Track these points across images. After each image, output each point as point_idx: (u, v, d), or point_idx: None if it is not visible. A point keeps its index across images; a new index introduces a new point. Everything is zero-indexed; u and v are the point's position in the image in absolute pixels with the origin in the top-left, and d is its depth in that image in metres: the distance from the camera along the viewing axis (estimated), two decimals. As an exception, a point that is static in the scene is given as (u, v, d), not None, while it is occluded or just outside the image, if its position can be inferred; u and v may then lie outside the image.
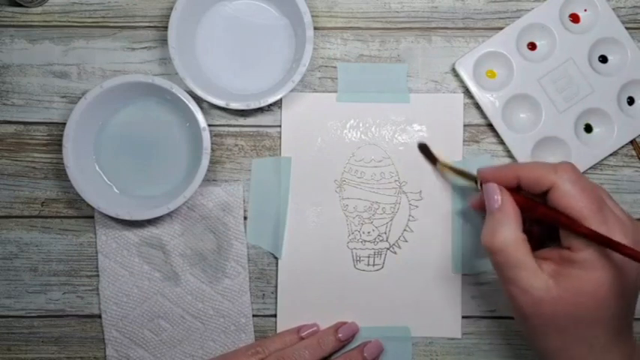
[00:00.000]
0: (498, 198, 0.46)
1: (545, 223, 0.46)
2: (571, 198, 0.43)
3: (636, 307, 0.45)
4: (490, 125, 0.56)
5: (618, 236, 0.42)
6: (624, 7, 0.57)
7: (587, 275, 0.42)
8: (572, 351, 0.44)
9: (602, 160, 0.56)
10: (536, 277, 0.43)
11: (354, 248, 0.56)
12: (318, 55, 0.57)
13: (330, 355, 0.54)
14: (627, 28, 0.56)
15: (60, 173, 0.56)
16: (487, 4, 0.57)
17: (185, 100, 0.52)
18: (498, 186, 0.46)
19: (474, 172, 0.50)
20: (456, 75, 0.56)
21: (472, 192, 0.56)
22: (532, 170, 0.45)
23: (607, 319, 0.43)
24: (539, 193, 0.45)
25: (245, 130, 0.57)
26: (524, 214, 0.46)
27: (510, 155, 0.56)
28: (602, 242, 0.42)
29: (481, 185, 0.48)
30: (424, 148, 0.55)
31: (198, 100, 0.53)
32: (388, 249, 0.56)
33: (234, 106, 0.53)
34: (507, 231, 0.44)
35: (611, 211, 0.44)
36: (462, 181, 0.53)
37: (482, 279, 0.56)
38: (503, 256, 0.44)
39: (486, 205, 0.46)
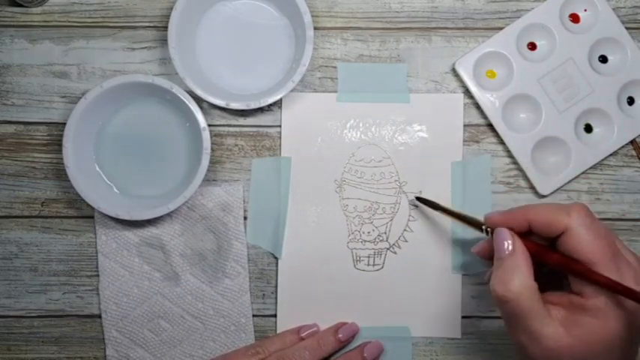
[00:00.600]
0: (509, 244, 0.44)
1: (555, 269, 0.45)
2: (585, 244, 0.42)
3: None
4: (490, 125, 0.56)
5: (631, 283, 0.41)
6: (624, 7, 0.57)
7: (600, 323, 0.41)
8: None
9: (602, 160, 0.56)
10: (547, 325, 0.41)
11: (354, 248, 0.56)
12: (318, 55, 0.57)
13: (330, 355, 0.54)
14: (627, 28, 0.56)
15: (60, 173, 0.56)
16: (487, 4, 0.57)
17: (185, 100, 0.52)
18: (509, 231, 0.44)
19: (479, 216, 0.49)
20: (456, 75, 0.56)
21: (473, 195, 0.56)
22: (544, 213, 0.44)
23: None
24: (551, 237, 0.44)
25: (245, 130, 0.57)
26: (534, 260, 0.44)
27: (510, 155, 0.56)
28: (617, 290, 0.40)
29: (486, 231, 0.47)
30: (422, 200, 0.55)
31: (198, 100, 0.53)
32: (388, 249, 0.56)
33: (234, 106, 0.53)
34: (519, 279, 0.42)
35: (623, 257, 0.43)
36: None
37: (482, 279, 0.56)
38: (516, 305, 0.42)
39: (495, 250, 0.44)
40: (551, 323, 0.42)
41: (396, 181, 0.56)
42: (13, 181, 0.56)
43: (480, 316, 0.56)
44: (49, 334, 0.57)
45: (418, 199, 0.55)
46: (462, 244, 0.56)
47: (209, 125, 0.53)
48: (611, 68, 0.56)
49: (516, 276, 0.42)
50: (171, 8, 0.53)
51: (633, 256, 0.44)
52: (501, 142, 0.56)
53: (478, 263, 0.55)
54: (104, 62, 0.57)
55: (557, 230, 0.43)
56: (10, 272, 0.56)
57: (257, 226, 0.56)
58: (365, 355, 0.54)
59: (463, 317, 0.56)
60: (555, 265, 0.43)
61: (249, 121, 0.57)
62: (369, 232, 0.56)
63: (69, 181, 0.52)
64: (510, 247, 0.44)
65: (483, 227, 0.47)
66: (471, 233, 0.55)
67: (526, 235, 0.45)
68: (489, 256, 0.47)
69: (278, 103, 0.56)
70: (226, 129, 0.57)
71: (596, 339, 0.41)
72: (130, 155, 0.55)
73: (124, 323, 0.56)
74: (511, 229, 0.45)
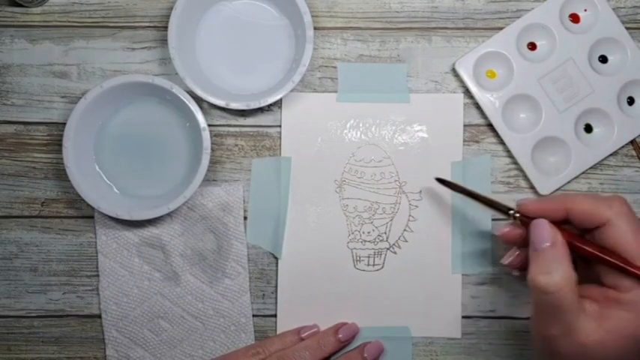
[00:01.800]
0: (550, 235, 0.43)
1: (590, 260, 0.44)
2: (626, 237, 0.42)
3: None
4: (490, 125, 0.56)
5: None
6: (624, 7, 0.57)
7: (634, 317, 0.41)
8: None
9: (602, 160, 0.56)
10: (581, 319, 0.41)
11: (354, 248, 0.56)
12: (318, 55, 0.57)
13: (331, 355, 0.54)
14: (627, 28, 0.56)
15: (60, 173, 0.56)
16: (487, 4, 0.57)
17: (185, 100, 0.52)
18: (549, 223, 0.44)
19: (505, 201, 0.48)
20: (456, 75, 0.56)
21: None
22: (584, 204, 0.43)
23: None
24: (589, 228, 0.44)
25: (245, 130, 0.57)
26: (571, 251, 0.44)
27: (510, 155, 0.56)
28: None
29: (515, 217, 0.46)
30: (443, 181, 0.53)
31: (198, 100, 0.53)
32: (388, 249, 0.56)
33: (234, 106, 0.53)
34: (562, 271, 0.41)
35: None
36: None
37: (482, 279, 0.56)
38: (556, 298, 0.41)
39: (533, 242, 0.44)
40: (585, 317, 0.41)
41: (396, 181, 0.56)
42: (13, 181, 0.56)
43: (480, 316, 0.56)
44: (49, 334, 0.57)
45: (438, 179, 0.53)
46: (461, 245, 0.56)
47: (209, 125, 0.53)
48: (611, 68, 0.56)
49: (559, 267, 0.42)
50: (171, 8, 0.53)
51: None
52: (501, 142, 0.56)
53: (478, 263, 0.55)
54: (104, 62, 0.57)
55: (599, 222, 0.42)
56: (10, 272, 0.56)
57: (257, 226, 0.56)
58: (365, 355, 0.54)
59: (463, 317, 0.56)
60: (592, 257, 0.43)
61: (249, 121, 0.57)
62: (369, 232, 0.56)
63: (69, 181, 0.52)
64: (551, 239, 0.43)
65: (511, 212, 0.47)
66: (471, 233, 0.55)
67: (561, 224, 0.45)
68: (514, 241, 0.46)
69: (278, 103, 0.56)
70: (226, 129, 0.57)
71: (629, 333, 0.41)
72: (130, 155, 0.55)
73: (124, 323, 0.56)
74: (548, 217, 0.44)
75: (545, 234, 0.43)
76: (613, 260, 0.42)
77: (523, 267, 0.47)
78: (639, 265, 0.41)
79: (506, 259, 0.49)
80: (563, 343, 0.41)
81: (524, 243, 0.47)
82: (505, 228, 0.48)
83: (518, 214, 0.47)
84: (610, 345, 0.41)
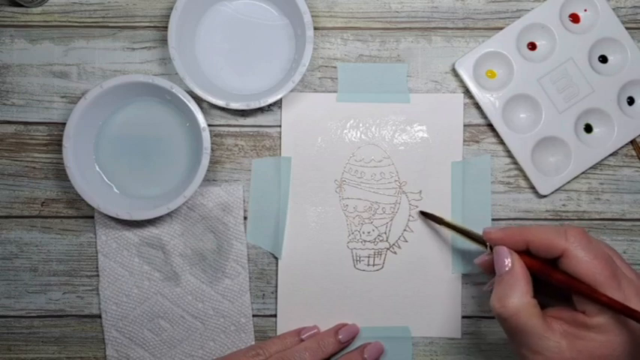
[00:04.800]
0: (508, 261, 0.45)
1: (557, 287, 0.45)
2: (584, 265, 0.42)
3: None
4: (490, 125, 0.56)
5: (634, 301, 0.42)
6: (624, 7, 0.57)
7: (602, 339, 0.42)
8: None
9: (602, 160, 0.56)
10: (547, 340, 0.42)
11: (354, 248, 0.56)
12: (318, 55, 0.57)
13: (331, 356, 0.54)
14: (627, 28, 0.56)
15: (60, 173, 0.56)
16: (487, 4, 0.57)
17: (185, 100, 0.52)
18: (508, 249, 0.45)
19: (478, 230, 0.50)
20: (456, 75, 0.56)
21: (473, 195, 0.56)
22: (541, 235, 0.44)
23: None
24: (549, 258, 0.45)
25: (245, 130, 0.57)
26: (539, 277, 0.45)
27: (510, 155, 0.56)
28: (619, 310, 0.41)
29: (487, 246, 0.48)
30: (426, 214, 0.55)
31: (198, 100, 0.53)
32: (388, 249, 0.56)
33: (234, 106, 0.53)
34: (518, 296, 0.43)
35: (624, 274, 0.43)
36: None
37: (482, 279, 0.56)
38: (514, 322, 0.43)
39: (496, 268, 0.45)
40: (552, 337, 0.42)
41: (396, 181, 0.56)
42: (13, 181, 0.56)
43: (480, 316, 0.56)
44: (49, 334, 0.57)
45: (422, 213, 0.55)
46: (461, 245, 0.56)
47: (209, 125, 0.53)
48: (611, 68, 0.56)
49: (514, 293, 0.43)
50: (171, 8, 0.53)
51: (633, 273, 0.44)
52: (501, 142, 0.56)
53: (478, 263, 0.56)
54: (104, 62, 0.57)
55: (555, 253, 0.44)
56: (10, 272, 0.56)
57: (257, 226, 0.56)
58: (365, 356, 0.54)
59: (463, 317, 0.56)
60: (559, 284, 0.44)
61: (249, 121, 0.57)
62: (369, 232, 0.56)
63: (69, 181, 0.52)
64: (509, 265, 0.45)
65: (487, 244, 0.48)
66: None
67: (527, 253, 0.46)
68: (490, 270, 0.47)
69: (278, 103, 0.56)
70: (226, 129, 0.57)
71: (599, 354, 0.42)
72: (130, 155, 0.55)
73: (124, 323, 0.56)
74: (510, 247, 0.46)
75: (502, 260, 0.45)
76: (577, 287, 0.43)
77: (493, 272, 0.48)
78: (601, 290, 0.42)
79: (478, 260, 0.50)
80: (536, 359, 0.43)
81: None
82: (482, 257, 0.49)
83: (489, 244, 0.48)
84: None
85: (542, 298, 0.44)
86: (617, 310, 0.41)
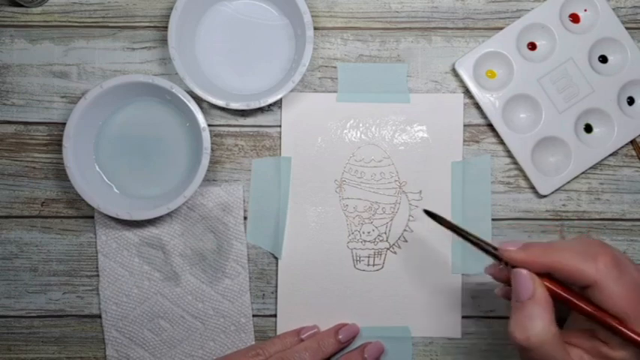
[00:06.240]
0: (530, 288, 0.41)
1: (581, 314, 0.42)
2: (616, 300, 0.39)
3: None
4: (490, 125, 0.56)
5: None
6: (624, 7, 0.57)
7: None
8: None
9: (602, 160, 0.56)
10: None
11: (354, 248, 0.56)
12: (318, 55, 0.57)
13: (331, 356, 0.54)
14: (627, 28, 0.56)
15: (60, 173, 0.56)
16: (487, 4, 0.57)
17: (185, 100, 0.52)
18: (530, 274, 0.41)
19: (482, 229, 0.47)
20: (456, 75, 0.56)
21: (473, 195, 0.56)
22: (569, 262, 0.40)
23: None
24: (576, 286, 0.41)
25: (245, 130, 0.57)
26: (560, 304, 0.41)
27: (510, 155, 0.56)
28: None
29: (501, 260, 0.43)
30: (434, 216, 0.47)
31: (198, 100, 0.53)
32: (388, 249, 0.56)
33: (234, 106, 0.53)
34: (541, 327, 0.40)
35: None
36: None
37: (482, 279, 0.56)
38: (539, 354, 0.40)
39: (514, 292, 0.41)
40: None
41: (396, 181, 0.56)
42: (13, 181, 0.56)
43: (480, 316, 0.56)
44: (49, 334, 0.57)
45: (430, 214, 0.47)
46: (462, 245, 0.56)
47: (209, 125, 0.53)
48: (611, 68, 0.56)
49: (538, 323, 0.40)
50: (171, 8, 0.53)
51: None
52: (501, 142, 0.56)
53: (478, 263, 0.55)
54: (104, 62, 0.57)
55: (584, 282, 0.40)
56: (10, 272, 0.56)
57: (257, 226, 0.56)
58: (365, 355, 0.54)
59: (463, 317, 0.56)
60: (584, 315, 0.41)
61: (249, 121, 0.57)
62: (369, 232, 0.56)
63: (69, 181, 0.52)
64: (531, 292, 0.41)
65: (497, 257, 0.43)
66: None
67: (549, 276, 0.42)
68: (503, 281, 0.45)
69: (278, 103, 0.56)
70: (226, 129, 0.57)
71: None
72: (130, 155, 0.55)
73: (124, 323, 0.56)
74: (532, 269, 0.41)
75: (524, 286, 0.41)
76: (605, 321, 0.40)
77: (506, 282, 0.45)
78: (630, 326, 0.39)
79: (489, 270, 0.46)
80: None
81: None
82: (492, 268, 0.46)
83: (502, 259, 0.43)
84: None
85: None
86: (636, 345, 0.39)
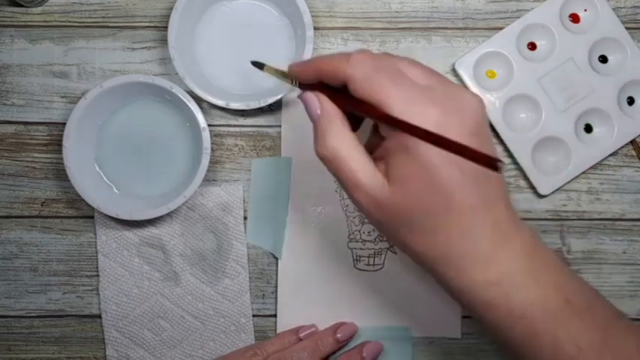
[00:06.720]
0: (316, 104, 0.41)
1: (351, 113, 0.42)
2: (367, 87, 0.39)
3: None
4: (490, 125, 0.56)
5: (430, 113, 0.37)
6: (624, 7, 0.57)
7: (397, 161, 0.39)
8: (449, 248, 0.39)
9: (602, 160, 0.56)
10: (368, 172, 0.39)
11: (354, 248, 0.56)
12: (318, 55, 0.57)
13: (329, 355, 0.54)
14: (627, 28, 0.56)
15: (60, 173, 0.56)
16: (487, 4, 0.57)
17: (185, 100, 0.52)
18: (314, 92, 0.42)
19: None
20: (456, 75, 0.56)
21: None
22: (328, 64, 0.41)
23: (446, 204, 0.38)
24: (340, 86, 0.41)
25: (245, 130, 0.57)
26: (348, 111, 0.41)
27: (510, 155, 0.56)
28: (403, 127, 0.37)
29: (297, 83, 0.44)
30: (255, 64, 0.49)
31: (198, 100, 0.53)
32: (388, 249, 0.56)
33: (234, 106, 0.53)
34: (334, 135, 0.40)
35: (411, 81, 0.39)
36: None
37: (482, 279, 0.56)
38: (337, 162, 0.40)
39: (308, 113, 0.42)
40: (372, 169, 0.40)
41: (396, 181, 0.56)
42: (13, 181, 0.56)
43: (480, 316, 0.56)
44: (49, 334, 0.57)
45: (253, 63, 0.50)
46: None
47: (209, 125, 0.53)
48: (611, 68, 0.56)
49: (331, 133, 0.41)
50: (171, 8, 0.53)
51: (432, 77, 0.40)
52: (501, 141, 0.56)
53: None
54: (104, 62, 0.57)
55: (341, 80, 0.40)
56: (10, 272, 0.56)
57: (257, 226, 0.56)
58: (364, 355, 0.54)
59: (463, 317, 0.56)
60: (348, 109, 0.41)
61: (249, 121, 0.57)
62: (369, 232, 0.56)
63: (69, 181, 0.52)
64: (317, 107, 0.41)
65: (294, 81, 0.44)
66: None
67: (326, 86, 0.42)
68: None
69: (278, 103, 0.56)
70: (226, 129, 0.57)
71: (412, 175, 0.38)
72: (130, 155, 0.55)
73: (124, 323, 0.56)
74: (309, 78, 0.42)
75: (311, 104, 0.42)
76: (360, 107, 0.40)
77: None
78: (389, 104, 0.38)
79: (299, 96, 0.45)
80: (367, 205, 0.40)
81: None
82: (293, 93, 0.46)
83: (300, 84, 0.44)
84: (403, 192, 0.38)
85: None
86: (396, 125, 0.38)
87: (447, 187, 0.38)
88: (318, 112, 0.42)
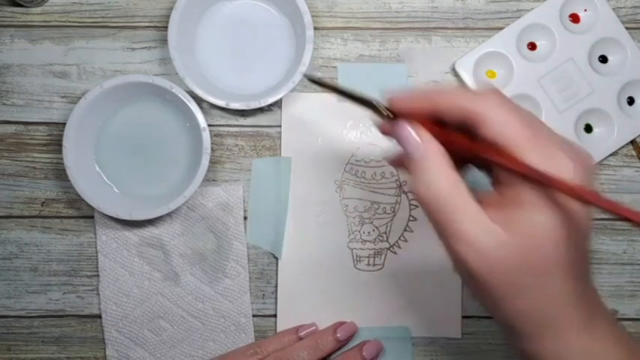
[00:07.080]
0: (416, 139, 0.37)
1: (478, 160, 0.38)
2: (508, 130, 0.35)
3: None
4: (490, 125, 0.56)
5: (552, 164, 0.35)
6: (624, 7, 0.57)
7: (536, 217, 0.35)
8: (537, 312, 0.36)
9: (602, 160, 0.56)
10: (481, 224, 0.35)
11: (354, 248, 0.56)
12: (318, 55, 0.57)
13: (329, 355, 0.54)
14: (627, 28, 0.56)
15: (60, 173, 0.56)
16: (487, 4, 0.57)
17: (185, 100, 0.52)
18: (412, 124, 0.37)
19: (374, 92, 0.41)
20: (456, 75, 0.56)
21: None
22: (452, 99, 0.37)
23: (566, 267, 0.35)
24: (464, 127, 0.37)
25: (245, 130, 0.57)
26: (450, 151, 0.37)
27: (510, 155, 0.56)
28: (542, 180, 0.34)
29: (390, 117, 0.39)
30: (312, 79, 0.44)
31: (198, 100, 0.53)
32: (388, 249, 0.56)
33: (234, 106, 0.53)
34: (436, 176, 0.36)
35: (548, 133, 0.37)
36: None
37: (482, 279, 0.56)
38: (438, 206, 0.36)
39: (403, 147, 0.38)
40: (486, 221, 0.35)
41: (396, 181, 0.56)
42: (13, 181, 0.56)
43: (480, 316, 0.56)
44: (49, 334, 0.57)
45: (307, 77, 0.45)
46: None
47: (209, 125, 0.53)
48: (611, 68, 0.56)
49: (432, 173, 0.36)
50: (171, 8, 0.53)
51: (563, 141, 0.38)
52: (501, 142, 0.56)
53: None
54: (104, 62, 0.57)
55: (459, 118, 0.37)
56: (10, 272, 0.56)
57: (257, 226, 0.56)
58: (364, 354, 0.54)
59: (463, 317, 0.56)
60: (471, 154, 0.37)
61: (249, 121, 0.57)
62: (369, 232, 0.56)
63: (69, 181, 0.52)
64: (417, 142, 0.37)
65: (381, 110, 0.39)
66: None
67: (434, 121, 0.38)
68: (399, 164, 0.41)
69: (278, 103, 0.56)
70: (226, 129, 0.57)
71: (535, 233, 0.35)
72: (130, 155, 0.55)
73: (124, 323, 0.56)
74: (417, 115, 0.38)
75: (409, 138, 0.37)
76: (493, 156, 0.35)
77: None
78: (520, 155, 0.35)
79: (381, 127, 0.42)
80: (468, 255, 0.36)
81: None
82: (383, 126, 0.41)
83: (392, 114, 0.39)
84: (518, 248, 0.35)
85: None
86: (533, 177, 0.34)
87: (569, 251, 0.35)
88: (416, 146, 0.37)
